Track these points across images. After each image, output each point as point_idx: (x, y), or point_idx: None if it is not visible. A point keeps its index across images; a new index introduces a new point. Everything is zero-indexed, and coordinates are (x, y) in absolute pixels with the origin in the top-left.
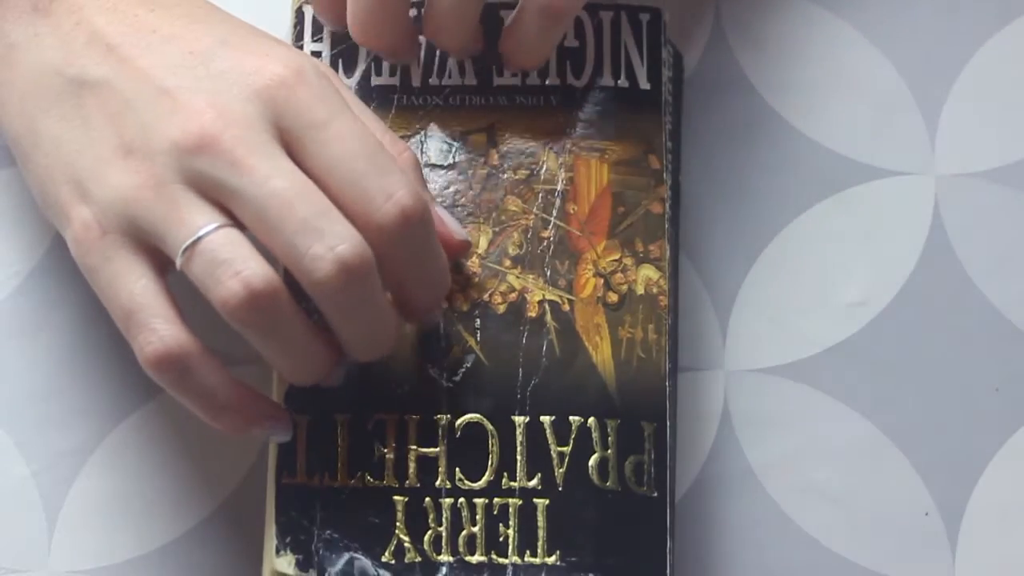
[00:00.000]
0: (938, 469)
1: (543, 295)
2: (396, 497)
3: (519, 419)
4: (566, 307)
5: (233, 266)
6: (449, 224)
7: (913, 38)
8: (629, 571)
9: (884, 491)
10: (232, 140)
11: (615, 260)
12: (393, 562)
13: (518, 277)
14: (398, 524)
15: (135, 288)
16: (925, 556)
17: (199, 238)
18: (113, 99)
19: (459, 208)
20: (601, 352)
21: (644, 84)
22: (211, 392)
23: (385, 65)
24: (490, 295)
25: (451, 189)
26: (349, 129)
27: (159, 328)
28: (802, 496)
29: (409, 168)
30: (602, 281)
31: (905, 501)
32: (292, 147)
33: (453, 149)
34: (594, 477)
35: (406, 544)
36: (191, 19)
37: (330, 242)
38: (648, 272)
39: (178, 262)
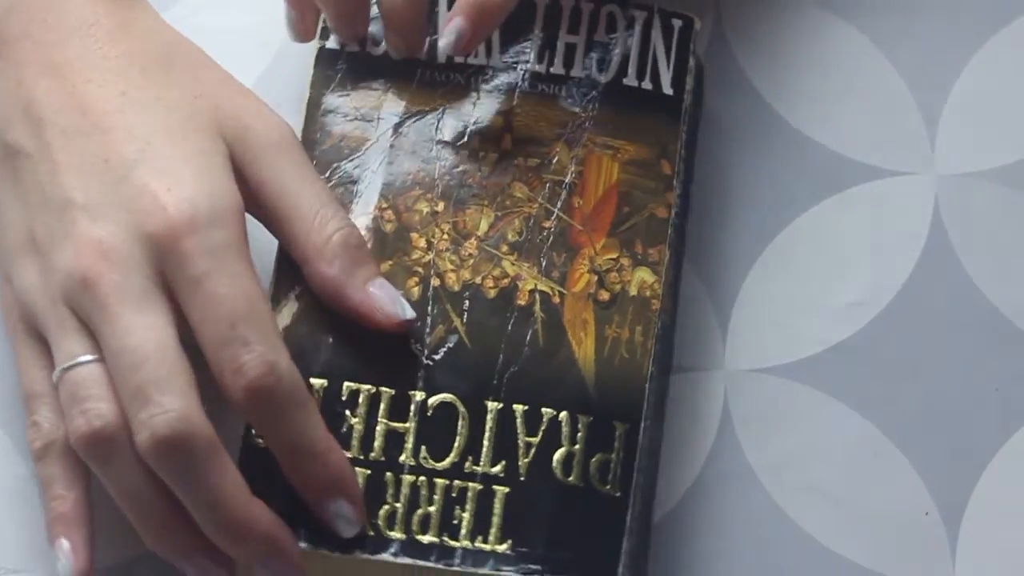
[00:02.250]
0: (938, 469)
1: (535, 284)
2: (358, 469)
3: (492, 404)
4: (556, 299)
5: (85, 403)
6: (385, 301)
7: (913, 38)
8: (578, 567)
9: (884, 491)
10: (109, 285)
11: (612, 259)
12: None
13: (513, 264)
14: None
15: (36, 376)
16: (925, 556)
17: (69, 367)
18: (34, 180)
19: (464, 188)
20: (584, 348)
21: (667, 89)
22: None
23: None
24: (483, 278)
25: (460, 169)
26: (223, 290)
27: (43, 420)
28: (802, 496)
29: (341, 248)
30: (596, 278)
31: (905, 501)
32: (174, 293)
33: (468, 129)
34: (557, 471)
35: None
36: (126, 102)
37: (153, 411)
38: (643, 275)
39: (54, 377)
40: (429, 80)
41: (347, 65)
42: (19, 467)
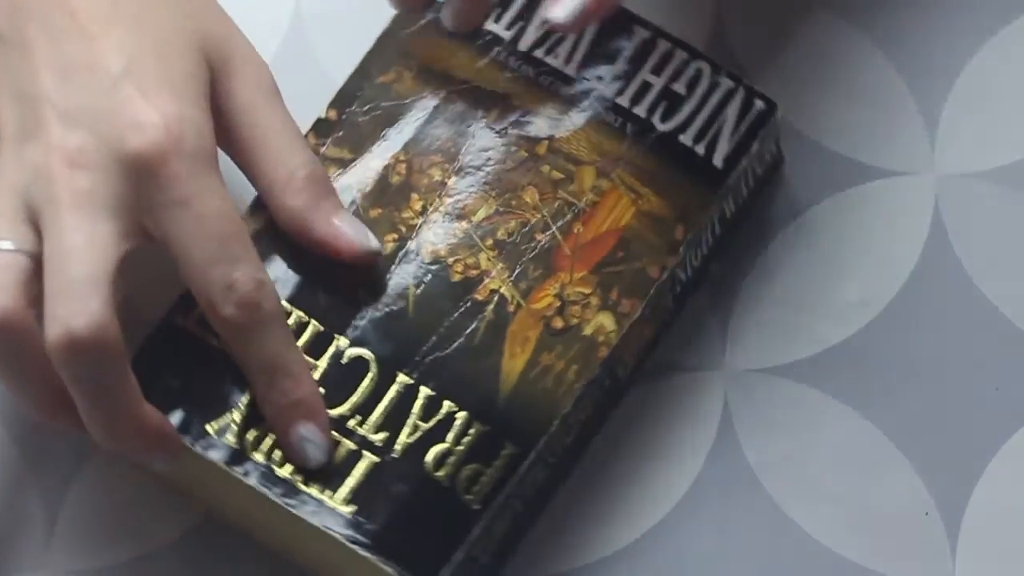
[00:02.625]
0: (938, 469)
1: (500, 286)
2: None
3: (403, 377)
4: (511, 307)
5: None
6: (349, 233)
7: (913, 38)
8: (403, 557)
9: (884, 491)
10: (72, 188)
11: (583, 293)
12: (211, 435)
13: (489, 259)
14: (239, 408)
15: None
16: (925, 556)
17: None
18: (7, 68)
19: (480, 173)
20: (514, 362)
21: (718, 161)
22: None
23: (507, 15)
24: (455, 260)
25: (487, 154)
26: (211, 210)
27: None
28: (802, 496)
29: (306, 181)
30: (558, 304)
31: (905, 501)
32: (145, 215)
33: (512, 121)
34: (430, 461)
35: (233, 426)
36: (118, 14)
37: (76, 309)
38: (605, 320)
39: None
40: (503, 61)
41: (436, 16)
42: (19, 467)
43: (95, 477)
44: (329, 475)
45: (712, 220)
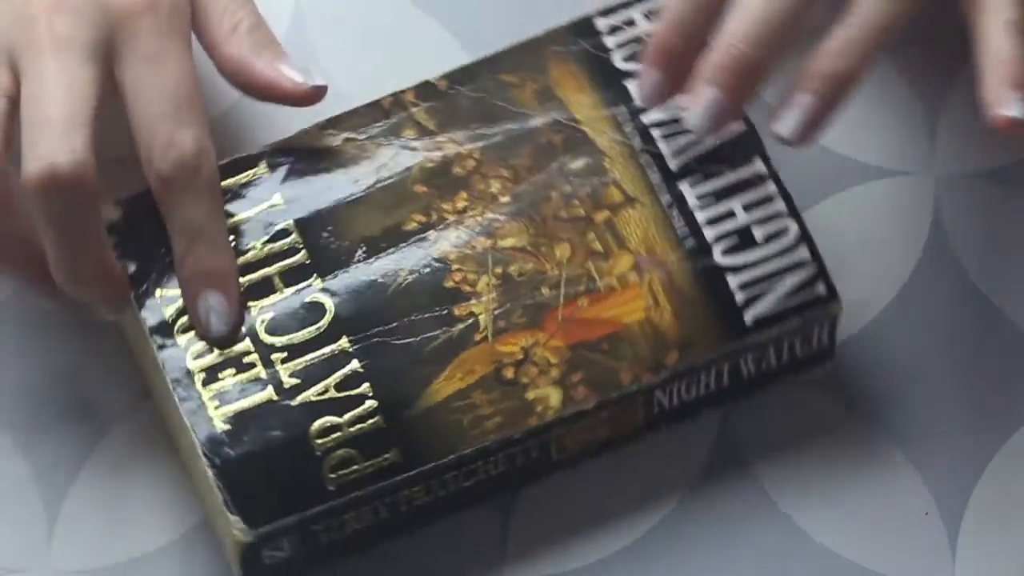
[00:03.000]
0: (938, 469)
1: (481, 313)
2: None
3: (344, 342)
4: (478, 336)
5: None
6: (293, 73)
7: (913, 39)
8: (238, 493)
9: (884, 491)
10: (54, 31)
11: (548, 361)
12: (155, 299)
13: (488, 286)
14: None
15: None
16: (925, 556)
17: None
18: None
19: (533, 208)
20: (445, 385)
21: (748, 319)
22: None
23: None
24: (456, 269)
25: (550, 194)
26: (171, 72)
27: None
28: (802, 496)
29: (248, 31)
30: (520, 357)
31: (905, 501)
32: (115, 65)
33: (591, 180)
34: (316, 427)
35: (180, 302)
36: None
37: (58, 147)
38: (553, 395)
39: None
40: (620, 122)
41: (584, 46)
42: (19, 467)
43: (95, 477)
44: (229, 389)
45: (719, 369)
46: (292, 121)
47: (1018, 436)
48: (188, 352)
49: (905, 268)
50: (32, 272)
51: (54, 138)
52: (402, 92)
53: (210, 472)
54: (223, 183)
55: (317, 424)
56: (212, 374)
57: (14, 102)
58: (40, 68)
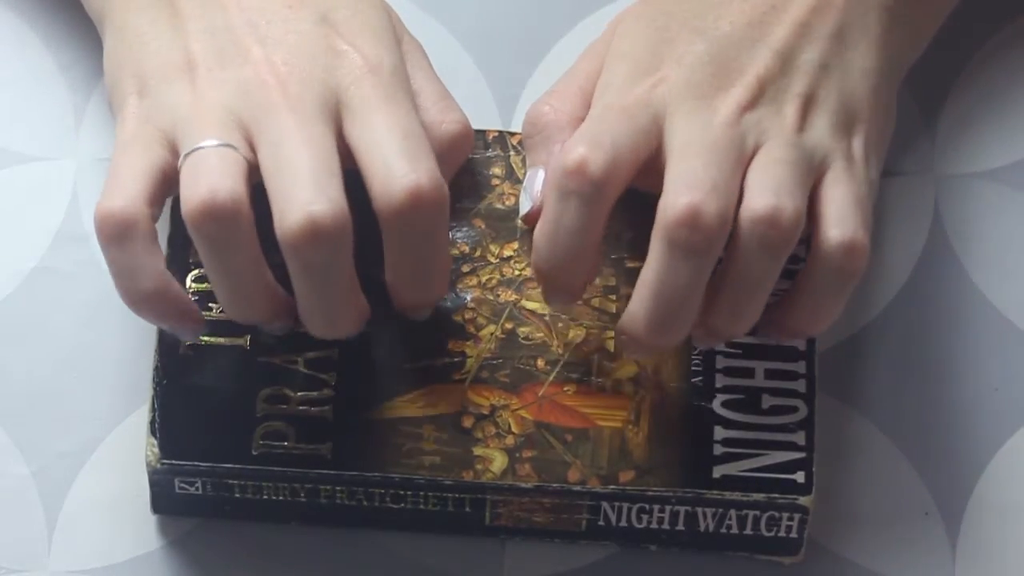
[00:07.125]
0: (938, 469)
1: (471, 356)
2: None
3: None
4: (458, 376)
5: (211, 175)
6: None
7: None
8: (169, 430)
9: (884, 491)
10: (285, 94)
11: (508, 425)
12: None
13: (491, 336)
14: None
15: (136, 163)
16: (925, 556)
17: (202, 147)
18: (200, 19)
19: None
20: (407, 407)
21: (717, 474)
22: (142, 269)
23: None
24: (470, 310)
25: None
26: (399, 116)
27: (116, 192)
28: None
29: (447, 140)
30: (485, 413)
31: (905, 501)
32: (344, 121)
33: (618, 285)
34: (267, 392)
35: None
36: None
37: (313, 196)
38: (499, 461)
39: (179, 162)
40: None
41: None
42: (19, 467)
43: (95, 477)
44: (224, 324)
45: (674, 510)
46: None
47: (1018, 436)
48: (188, 276)
49: (905, 268)
50: (281, 314)
51: (310, 188)
52: (510, 133)
53: (152, 388)
54: None
55: (270, 389)
56: (203, 302)
57: (252, 165)
58: (280, 126)
